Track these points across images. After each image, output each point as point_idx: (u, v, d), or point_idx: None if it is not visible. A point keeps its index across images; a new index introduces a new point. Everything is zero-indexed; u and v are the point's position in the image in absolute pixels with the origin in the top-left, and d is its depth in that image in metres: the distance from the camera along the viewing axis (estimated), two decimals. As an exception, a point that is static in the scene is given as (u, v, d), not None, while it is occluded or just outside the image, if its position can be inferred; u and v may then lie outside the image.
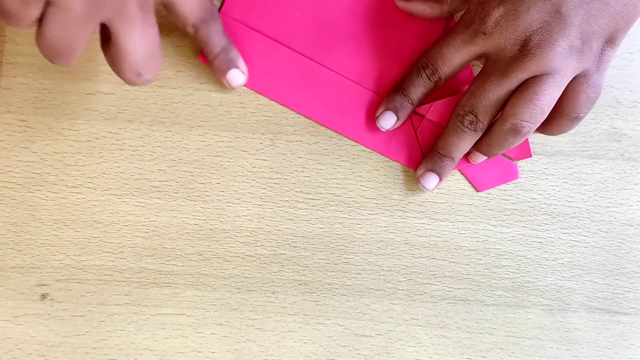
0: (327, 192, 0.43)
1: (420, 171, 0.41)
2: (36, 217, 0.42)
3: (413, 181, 0.43)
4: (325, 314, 0.43)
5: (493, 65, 0.36)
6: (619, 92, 0.43)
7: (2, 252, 0.42)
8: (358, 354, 0.43)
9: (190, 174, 0.42)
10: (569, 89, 0.36)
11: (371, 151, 0.42)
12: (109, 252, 0.42)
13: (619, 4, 0.34)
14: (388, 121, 0.40)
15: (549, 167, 0.43)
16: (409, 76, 0.40)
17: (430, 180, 0.41)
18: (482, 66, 0.38)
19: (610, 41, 0.36)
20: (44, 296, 0.42)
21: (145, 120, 0.42)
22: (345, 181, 0.43)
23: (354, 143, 0.42)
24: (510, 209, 0.43)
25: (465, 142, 0.39)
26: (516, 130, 0.37)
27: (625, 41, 0.42)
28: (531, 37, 0.34)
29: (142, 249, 0.42)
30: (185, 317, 0.42)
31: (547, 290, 0.43)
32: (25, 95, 0.42)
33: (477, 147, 0.40)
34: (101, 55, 0.41)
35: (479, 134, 0.39)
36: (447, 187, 0.43)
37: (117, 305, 0.42)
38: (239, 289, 0.42)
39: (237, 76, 0.40)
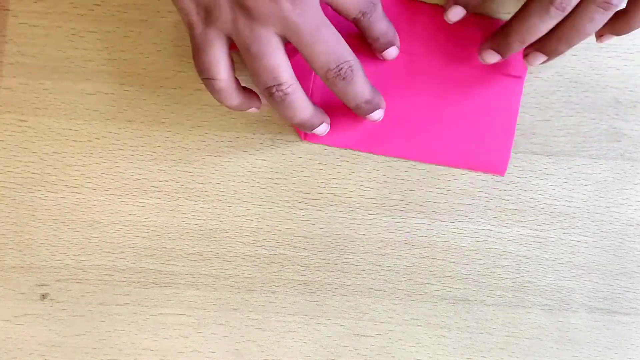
0: (327, 192, 0.43)
1: (484, 46, 0.40)
2: (36, 217, 0.42)
3: (413, 181, 0.43)
4: (325, 314, 0.43)
5: None
6: (619, 92, 0.43)
7: (2, 252, 0.42)
8: (358, 354, 0.43)
9: (190, 174, 0.42)
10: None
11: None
12: (109, 252, 0.42)
13: None
14: (457, 14, 0.39)
15: (549, 167, 0.43)
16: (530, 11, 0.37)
17: (493, 58, 0.39)
18: None
19: None
20: (44, 296, 0.42)
21: (145, 120, 0.42)
22: (345, 181, 0.43)
23: (354, 143, 0.43)
24: (510, 209, 0.43)
25: (547, 26, 0.37)
26: (608, 3, 0.35)
27: (625, 41, 0.43)
28: None
29: (142, 249, 0.42)
30: (185, 317, 0.42)
31: (547, 290, 0.43)
32: (25, 95, 0.42)
33: (552, 38, 0.38)
34: (101, 55, 0.42)
35: (564, 16, 0.36)
36: (447, 187, 0.43)
37: (117, 305, 0.42)
38: (239, 289, 0.42)
39: (393, 52, 0.40)
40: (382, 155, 0.42)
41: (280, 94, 0.35)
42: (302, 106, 0.37)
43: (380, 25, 0.39)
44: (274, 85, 0.35)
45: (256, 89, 0.39)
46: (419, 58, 0.42)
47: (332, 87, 0.37)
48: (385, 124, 0.42)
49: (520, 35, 0.37)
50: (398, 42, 0.40)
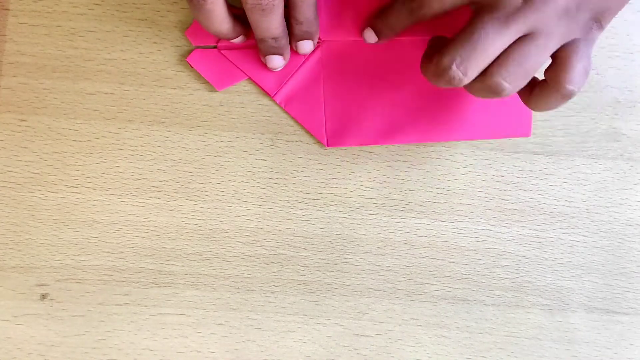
0: (327, 192, 0.43)
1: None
2: (36, 217, 0.42)
3: (413, 181, 0.43)
4: (325, 314, 0.43)
5: (490, 13, 0.34)
6: (619, 92, 0.43)
7: (2, 252, 0.42)
8: (358, 354, 0.43)
9: (190, 174, 0.42)
10: (560, 57, 0.35)
11: (371, 151, 0.42)
12: (108, 252, 0.42)
13: None
14: (370, 39, 0.40)
15: (549, 167, 0.43)
16: (394, 6, 0.38)
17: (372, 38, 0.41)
18: (473, 12, 0.35)
19: (597, 20, 0.35)
20: (44, 296, 0.42)
21: (145, 120, 0.42)
22: (345, 181, 0.43)
23: (354, 143, 0.43)
24: (510, 209, 0.43)
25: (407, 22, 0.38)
26: (497, 90, 0.35)
27: (625, 41, 0.43)
28: None
29: (142, 249, 0.42)
30: (185, 317, 0.42)
31: (546, 290, 0.43)
32: (25, 95, 0.42)
33: None
34: (101, 55, 0.42)
35: (461, 85, 0.36)
36: (447, 187, 0.43)
37: (117, 305, 0.42)
38: (239, 289, 0.42)
39: (307, 46, 0.41)
40: (407, 144, 0.42)
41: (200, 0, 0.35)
42: (220, 19, 0.37)
43: (309, 11, 0.39)
44: None
45: None
46: (424, 41, 0.41)
47: (249, 14, 0.37)
48: (405, 112, 0.42)
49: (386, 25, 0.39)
50: (316, 40, 0.41)
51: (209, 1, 0.35)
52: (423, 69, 0.36)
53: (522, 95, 0.37)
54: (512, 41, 0.34)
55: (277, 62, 0.40)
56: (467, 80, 0.34)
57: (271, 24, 0.38)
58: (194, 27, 0.41)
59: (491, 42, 0.34)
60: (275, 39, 0.39)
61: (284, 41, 0.40)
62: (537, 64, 0.34)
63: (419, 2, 0.36)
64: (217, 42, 0.41)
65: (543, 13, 0.33)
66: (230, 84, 0.42)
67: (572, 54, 0.34)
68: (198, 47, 0.41)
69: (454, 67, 0.34)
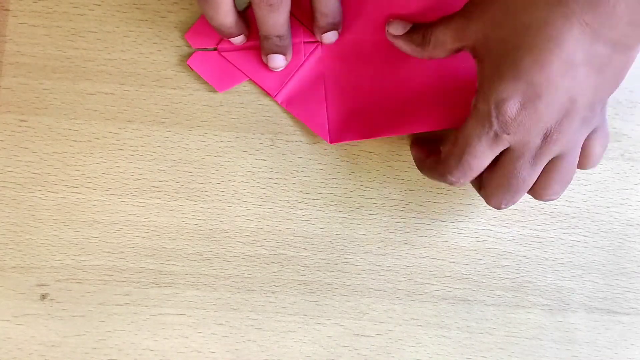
0: (327, 192, 0.43)
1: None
2: (36, 217, 0.42)
3: (413, 181, 0.43)
4: (325, 314, 0.43)
5: (520, 153, 0.35)
6: (619, 92, 0.43)
7: (2, 252, 0.42)
8: (358, 354, 0.43)
9: (190, 174, 0.42)
10: (584, 146, 0.36)
11: (371, 151, 0.42)
12: (109, 252, 0.42)
13: (614, 74, 0.34)
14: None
15: (549, 167, 0.43)
16: (442, 176, 0.38)
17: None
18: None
19: (605, 103, 0.36)
20: (44, 296, 0.42)
21: (145, 120, 0.42)
22: (345, 181, 0.43)
23: (354, 143, 0.42)
24: (510, 209, 0.43)
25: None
26: (548, 200, 0.38)
27: (625, 41, 0.42)
28: (552, 128, 0.34)
29: (142, 249, 0.42)
30: (185, 317, 0.42)
31: (547, 290, 0.43)
32: (25, 95, 0.42)
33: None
34: (101, 55, 0.42)
35: None
36: (447, 187, 0.43)
37: (117, 305, 0.42)
38: (239, 289, 0.42)
39: (332, 37, 0.41)
40: (409, 133, 0.42)
41: None
42: (225, 10, 0.37)
43: (334, 3, 0.39)
44: None
45: None
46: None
47: (256, 10, 0.37)
48: (406, 103, 0.41)
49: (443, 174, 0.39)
50: (340, 28, 0.41)
51: None
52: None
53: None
54: (541, 170, 0.36)
55: (279, 61, 0.40)
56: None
57: (278, 20, 0.38)
58: (193, 30, 0.41)
59: (528, 182, 0.36)
60: (279, 37, 0.39)
61: (288, 41, 0.40)
62: (574, 172, 0.37)
63: (461, 175, 0.37)
64: (217, 44, 0.41)
65: (565, 137, 0.34)
66: (231, 85, 0.42)
67: (593, 140, 0.36)
68: (198, 49, 0.41)
69: (502, 207, 0.37)
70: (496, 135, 0.34)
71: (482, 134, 0.35)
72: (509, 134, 0.34)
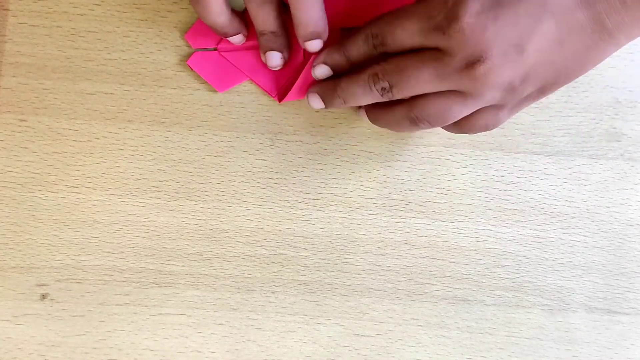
0: (327, 192, 0.43)
1: (312, 90, 0.40)
2: (36, 217, 0.42)
3: (413, 181, 0.43)
4: (325, 314, 0.43)
5: (435, 59, 0.34)
6: (619, 92, 0.43)
7: (2, 252, 0.42)
8: (358, 354, 0.43)
9: (190, 174, 0.42)
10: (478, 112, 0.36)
11: (371, 151, 0.42)
12: (109, 252, 0.42)
13: (571, 61, 0.33)
14: (323, 73, 0.39)
15: (549, 167, 0.43)
16: (355, 40, 0.38)
17: (317, 102, 0.40)
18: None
19: (541, 91, 0.35)
20: (44, 296, 0.42)
21: (145, 120, 0.42)
22: (345, 181, 0.43)
23: (354, 143, 0.42)
24: (510, 209, 0.43)
25: (367, 100, 0.38)
26: (414, 124, 0.36)
27: (625, 41, 0.42)
28: (485, 59, 0.32)
29: (142, 249, 0.42)
30: (185, 317, 0.42)
31: (547, 290, 0.43)
32: (25, 95, 0.42)
33: (370, 110, 0.39)
34: (101, 55, 0.42)
35: (383, 100, 0.37)
36: (447, 187, 0.43)
37: (117, 305, 0.42)
38: (239, 289, 0.42)
39: (316, 45, 0.39)
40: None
41: None
42: (217, 10, 0.37)
43: (314, 11, 0.38)
44: None
45: None
46: None
47: (247, 4, 0.37)
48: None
49: (344, 99, 0.38)
50: (325, 37, 0.39)
51: None
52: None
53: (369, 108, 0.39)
54: (439, 90, 0.35)
55: (276, 59, 0.40)
56: (389, 97, 0.36)
57: (268, 16, 0.38)
58: (193, 30, 0.41)
59: (420, 81, 0.34)
60: (273, 33, 0.39)
61: (283, 39, 0.40)
62: (453, 119, 0.35)
63: (380, 40, 0.36)
64: (217, 44, 0.41)
65: (481, 83, 0.33)
66: (231, 85, 0.42)
67: (486, 113, 0.35)
68: (198, 49, 0.41)
69: (380, 75, 0.36)
70: (434, 29, 0.33)
71: (422, 15, 0.34)
72: (444, 34, 0.33)
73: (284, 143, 0.42)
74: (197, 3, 0.36)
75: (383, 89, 0.36)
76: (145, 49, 0.42)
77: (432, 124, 0.36)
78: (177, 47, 0.42)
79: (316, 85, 0.40)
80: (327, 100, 0.40)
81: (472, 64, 0.32)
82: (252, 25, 0.40)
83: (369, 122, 0.40)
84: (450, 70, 0.33)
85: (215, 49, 0.41)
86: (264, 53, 0.40)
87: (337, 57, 0.39)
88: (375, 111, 0.39)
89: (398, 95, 0.36)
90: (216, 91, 0.42)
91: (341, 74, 0.39)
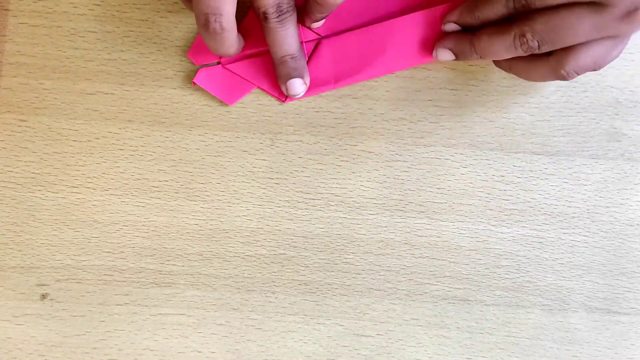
0: (327, 192, 0.43)
1: (443, 44, 0.41)
2: (36, 217, 0.42)
3: (413, 181, 0.43)
4: (325, 314, 0.43)
5: (593, 12, 0.35)
6: (619, 92, 0.43)
7: (2, 252, 0.42)
8: (358, 354, 0.43)
9: (190, 174, 0.42)
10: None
11: (371, 151, 0.42)
12: (109, 252, 0.42)
13: None
14: (453, 29, 0.41)
15: (549, 167, 0.43)
16: (492, 2, 0.38)
17: (447, 56, 0.41)
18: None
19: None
20: (44, 296, 0.42)
21: (145, 120, 0.42)
22: (345, 181, 0.43)
23: (354, 143, 0.42)
24: (510, 209, 0.43)
25: (507, 56, 0.38)
26: (563, 78, 0.37)
27: (626, 41, 0.43)
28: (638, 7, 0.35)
29: (142, 249, 0.42)
30: (185, 317, 0.42)
31: (547, 290, 0.43)
32: (25, 95, 0.42)
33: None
34: (101, 55, 0.42)
35: (524, 55, 0.38)
36: (447, 187, 0.43)
37: (117, 305, 0.42)
38: (239, 289, 0.42)
39: (298, 86, 0.41)
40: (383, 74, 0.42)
41: (217, 26, 0.35)
42: (230, 43, 0.37)
43: (292, 41, 0.39)
44: (214, 15, 0.35)
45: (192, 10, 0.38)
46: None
47: (269, 30, 0.38)
48: (372, 47, 0.42)
49: (482, 55, 0.39)
50: (307, 80, 0.41)
51: (225, 30, 0.36)
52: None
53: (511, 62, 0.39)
54: (592, 39, 0.36)
55: (299, 86, 0.40)
56: (533, 52, 0.37)
57: (291, 37, 0.39)
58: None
59: (576, 36, 0.36)
60: (293, 57, 0.39)
61: (303, 62, 0.40)
62: (608, 63, 0.37)
63: None
64: (220, 57, 0.41)
65: (637, 25, 0.35)
66: (240, 96, 0.42)
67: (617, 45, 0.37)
68: (202, 66, 0.41)
69: (529, 35, 0.36)
70: None
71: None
72: None
73: (284, 143, 0.42)
74: (211, 39, 0.36)
75: (530, 47, 0.37)
76: (145, 49, 0.42)
77: (581, 73, 0.37)
78: (177, 47, 0.42)
79: (447, 40, 0.40)
80: (461, 56, 0.40)
81: (632, 11, 0.34)
82: (249, 33, 0.40)
83: (465, 61, 0.41)
84: (609, 20, 0.35)
85: (218, 63, 0.41)
86: (285, 82, 0.40)
87: (469, 19, 0.39)
88: (514, 63, 0.40)
89: (545, 50, 0.37)
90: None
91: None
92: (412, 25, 0.41)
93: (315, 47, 0.42)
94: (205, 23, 0.35)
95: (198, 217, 0.42)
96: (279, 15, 0.37)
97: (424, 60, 0.42)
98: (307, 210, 0.42)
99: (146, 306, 0.42)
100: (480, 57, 0.39)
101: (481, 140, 0.43)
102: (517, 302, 0.43)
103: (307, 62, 0.41)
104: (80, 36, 0.42)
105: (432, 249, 0.43)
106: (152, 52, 0.42)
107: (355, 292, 0.43)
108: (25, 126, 0.42)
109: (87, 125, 0.42)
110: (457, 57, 0.40)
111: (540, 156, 0.43)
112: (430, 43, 0.41)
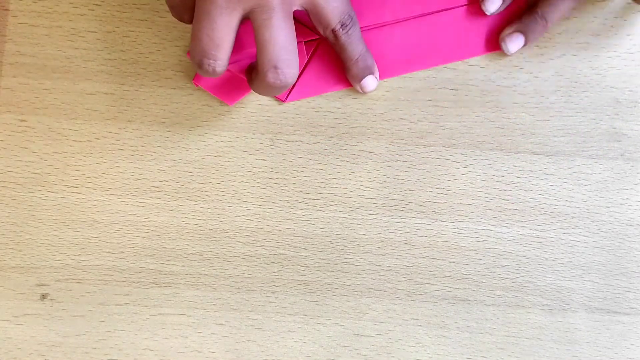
0: (327, 192, 0.43)
1: (507, 31, 0.42)
2: (36, 217, 0.42)
3: (413, 181, 0.43)
4: (325, 314, 0.43)
5: None
6: (619, 92, 0.43)
7: (2, 252, 0.42)
8: (358, 354, 0.43)
9: (190, 174, 0.42)
10: None
11: (371, 151, 0.42)
12: (109, 252, 0.42)
13: None
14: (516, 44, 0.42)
15: (549, 167, 0.43)
16: None
17: (517, 42, 0.42)
18: None
19: None
20: (44, 296, 0.42)
21: (145, 120, 0.42)
22: (345, 181, 0.43)
23: (354, 143, 0.42)
24: (510, 209, 0.43)
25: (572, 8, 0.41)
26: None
27: (625, 41, 0.43)
28: None
29: (142, 249, 0.42)
30: (185, 317, 0.42)
31: (547, 290, 0.43)
32: (25, 95, 0.42)
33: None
34: (101, 55, 0.42)
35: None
36: (447, 187, 0.43)
37: (117, 305, 0.42)
38: (239, 289, 0.42)
39: (372, 83, 0.41)
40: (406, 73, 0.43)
41: (210, 69, 0.36)
42: (222, 71, 0.37)
43: (358, 45, 0.40)
44: (208, 60, 0.36)
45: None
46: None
47: (339, 40, 0.39)
48: (395, 44, 0.42)
49: (553, 19, 0.41)
50: (377, 74, 0.41)
51: (217, 73, 0.36)
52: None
53: None
54: None
55: (372, 83, 0.41)
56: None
57: (359, 39, 0.40)
58: None
59: None
60: (364, 54, 0.40)
61: (370, 58, 0.41)
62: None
63: None
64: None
65: None
66: (241, 96, 0.42)
67: None
68: None
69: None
70: None
71: None
72: None
73: (284, 143, 0.42)
74: (203, 75, 0.37)
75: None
76: (145, 49, 0.42)
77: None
78: (177, 47, 0.42)
79: (512, 25, 0.42)
80: (531, 33, 0.42)
81: None
82: (249, 34, 0.40)
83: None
84: None
85: None
86: (358, 82, 0.41)
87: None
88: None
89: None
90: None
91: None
92: (458, 19, 0.42)
93: (316, 47, 0.42)
94: (199, 64, 0.36)
95: (198, 217, 0.42)
96: (345, 29, 0.39)
97: (471, 54, 0.43)
98: (307, 210, 0.42)
99: (146, 306, 0.42)
100: (549, 25, 0.41)
101: (481, 140, 0.43)
102: (517, 302, 0.43)
103: (309, 62, 0.41)
104: (80, 36, 0.42)
105: (432, 249, 0.43)
106: (152, 52, 0.42)
107: (355, 292, 0.43)
108: (25, 126, 0.42)
109: (87, 125, 0.42)
110: (527, 37, 0.41)
111: (540, 156, 0.43)
112: (475, 36, 0.42)
